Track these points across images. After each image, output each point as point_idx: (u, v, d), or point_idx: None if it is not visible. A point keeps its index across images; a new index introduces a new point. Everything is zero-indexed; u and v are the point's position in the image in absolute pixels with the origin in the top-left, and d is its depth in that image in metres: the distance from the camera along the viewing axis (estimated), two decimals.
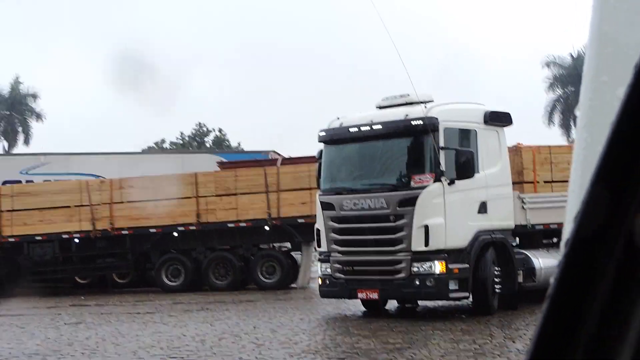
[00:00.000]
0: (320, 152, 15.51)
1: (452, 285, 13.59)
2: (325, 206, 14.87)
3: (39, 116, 56.01)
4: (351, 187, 14.65)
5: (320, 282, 15.04)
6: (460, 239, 13.85)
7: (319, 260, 15.19)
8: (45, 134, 75.59)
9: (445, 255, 13.55)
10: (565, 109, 54.38)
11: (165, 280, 22.29)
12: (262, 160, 24.37)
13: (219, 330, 13.50)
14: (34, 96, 55.84)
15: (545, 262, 15.69)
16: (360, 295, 14.29)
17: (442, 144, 13.73)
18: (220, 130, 61.44)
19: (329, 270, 14.80)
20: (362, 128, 14.41)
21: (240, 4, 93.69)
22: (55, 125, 79.95)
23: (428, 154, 13.77)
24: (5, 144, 55.83)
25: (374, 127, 14.25)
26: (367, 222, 14.19)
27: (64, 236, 22.27)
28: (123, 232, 22.31)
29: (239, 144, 58.52)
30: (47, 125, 63.82)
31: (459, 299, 13.87)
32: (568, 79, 53.59)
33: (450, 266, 13.58)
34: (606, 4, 1.05)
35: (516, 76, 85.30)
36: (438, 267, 13.48)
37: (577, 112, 1.10)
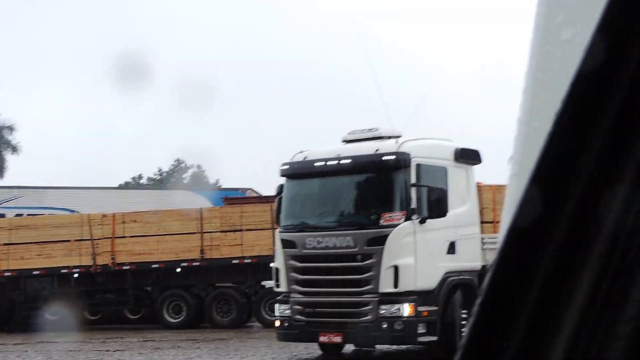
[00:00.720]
0: (281, 187, 14.77)
1: (421, 329, 12.91)
2: (286, 244, 14.08)
3: (14, 149, 53.74)
4: (315, 225, 13.90)
5: (278, 325, 14.17)
6: (429, 280, 13.22)
7: (277, 301, 14.33)
8: (21, 167, 74.22)
9: (415, 297, 12.88)
10: None
11: (167, 317, 21.57)
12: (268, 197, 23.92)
13: None
14: (11, 128, 53.66)
15: None
16: (322, 338, 13.47)
17: (413, 180, 13.15)
18: (198, 167, 61.51)
19: (288, 312, 13.96)
20: (329, 162, 13.73)
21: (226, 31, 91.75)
22: (31, 158, 76.85)
23: (399, 191, 13.15)
24: None
25: (342, 161, 13.58)
26: (332, 262, 13.45)
27: (63, 271, 21.46)
28: (124, 267, 21.53)
29: (217, 181, 58.13)
30: (22, 158, 60.29)
31: (426, 343, 13.15)
32: None
33: (420, 309, 12.90)
34: (541, 50, 1.08)
35: (484, 112, 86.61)
36: (407, 309, 12.79)
37: (509, 162, 1.11)
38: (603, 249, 0.89)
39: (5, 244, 21.60)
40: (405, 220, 12.94)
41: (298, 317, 13.76)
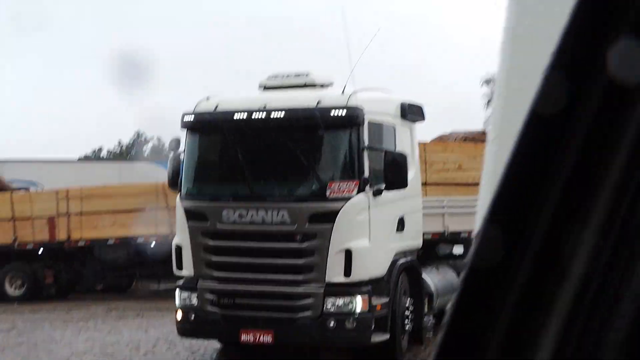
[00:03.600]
0: (177, 142, 11.61)
1: (372, 326, 10.50)
2: (193, 216, 11.03)
3: None
4: (235, 193, 10.96)
5: (180, 317, 11.17)
6: (381, 266, 10.80)
7: (180, 287, 11.30)
8: None
9: (368, 287, 10.41)
10: None
11: None
12: None
13: (153, 336, 13.49)
14: None
15: (438, 283, 13.22)
16: (244, 337, 10.65)
17: (366, 142, 10.54)
18: (158, 139, 60.86)
19: (194, 301, 11.02)
20: (255, 115, 10.74)
21: None
22: None
23: (349, 156, 10.48)
24: None
25: (273, 115, 10.66)
26: (260, 241, 10.62)
27: (139, 240, 19.81)
28: None
29: None
30: None
31: (378, 343, 10.73)
32: None
33: (374, 302, 10.47)
34: (520, 3, 1.10)
35: (455, 92, 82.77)
36: (360, 303, 10.30)
37: (486, 125, 1.01)
38: (569, 291, 0.88)
39: (77, 214, 20.03)
40: (359, 192, 10.35)
41: (210, 308, 10.87)
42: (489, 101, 55.15)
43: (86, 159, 52.46)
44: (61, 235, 20.17)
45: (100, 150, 62.11)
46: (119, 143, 62.55)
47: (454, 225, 14.16)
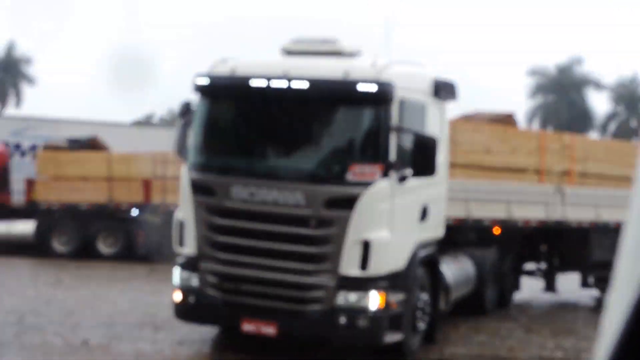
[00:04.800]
0: (187, 107, 10.59)
1: (386, 325, 9.55)
2: (200, 189, 10.06)
3: (31, 80, 57.79)
4: (248, 168, 9.97)
5: (180, 299, 10.27)
6: (400, 259, 9.81)
7: (180, 266, 10.38)
8: (37, 99, 68.82)
9: (385, 282, 9.44)
10: (544, 115, 57.83)
11: None
12: None
13: None
14: (28, 61, 57.51)
15: (456, 275, 12.27)
16: (246, 326, 9.74)
17: (395, 122, 9.49)
18: None
19: (196, 282, 10.10)
20: (274, 83, 9.69)
21: None
22: (47, 90, 72.88)
23: (375, 136, 9.42)
24: None
25: (294, 84, 9.61)
26: (271, 223, 9.65)
27: None
28: None
29: None
30: (39, 90, 61.40)
31: (392, 343, 9.77)
32: (550, 88, 57.76)
33: (390, 299, 9.50)
34: None
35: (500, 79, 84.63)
36: (375, 300, 9.33)
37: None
38: None
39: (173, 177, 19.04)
40: (382, 177, 9.33)
41: (211, 291, 9.95)
42: (533, 92, 58.92)
43: (139, 124, 51.59)
44: (156, 198, 20.29)
45: (151, 116, 61.70)
46: (170, 110, 61.60)
47: (477, 212, 13.15)
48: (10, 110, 56.31)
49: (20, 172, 22.56)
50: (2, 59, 58.01)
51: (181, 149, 10.49)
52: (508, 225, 13.83)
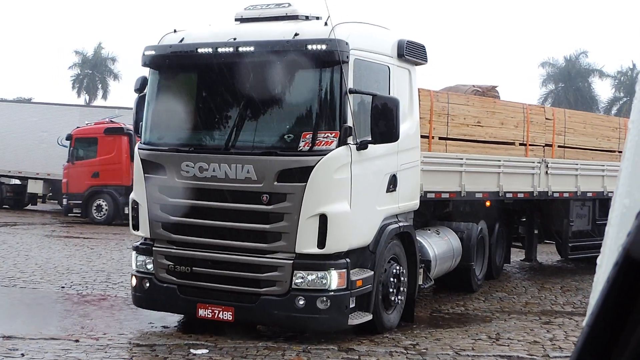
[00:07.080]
0: (143, 82, 9.90)
1: (351, 304, 8.80)
2: (150, 167, 9.39)
3: (116, 76, 68.16)
4: (196, 143, 9.27)
5: (134, 284, 9.62)
6: (365, 233, 9.06)
7: (135, 250, 9.72)
8: (121, 92, 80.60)
9: (346, 260, 8.68)
10: (555, 102, 61.23)
11: None
12: None
13: None
14: (113, 59, 68.02)
15: (438, 248, 11.51)
16: (202, 312, 9.04)
17: (350, 84, 8.71)
18: None
19: (149, 267, 9.44)
20: (220, 49, 8.96)
21: None
22: (129, 84, 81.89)
23: (330, 101, 8.65)
24: (87, 98, 66.61)
25: (241, 48, 8.86)
26: (222, 201, 8.94)
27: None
28: None
29: None
30: (122, 84, 70.57)
31: (359, 324, 9.01)
32: (559, 77, 64.18)
33: (353, 278, 8.75)
34: None
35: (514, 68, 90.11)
36: (335, 279, 8.58)
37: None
38: None
39: None
40: (339, 145, 8.56)
41: (165, 276, 9.28)
42: (544, 80, 64.76)
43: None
44: None
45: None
46: None
47: (470, 185, 12.43)
48: (98, 102, 64.02)
49: None
50: (91, 57, 67.41)
51: (137, 126, 9.84)
52: (498, 198, 13.22)
